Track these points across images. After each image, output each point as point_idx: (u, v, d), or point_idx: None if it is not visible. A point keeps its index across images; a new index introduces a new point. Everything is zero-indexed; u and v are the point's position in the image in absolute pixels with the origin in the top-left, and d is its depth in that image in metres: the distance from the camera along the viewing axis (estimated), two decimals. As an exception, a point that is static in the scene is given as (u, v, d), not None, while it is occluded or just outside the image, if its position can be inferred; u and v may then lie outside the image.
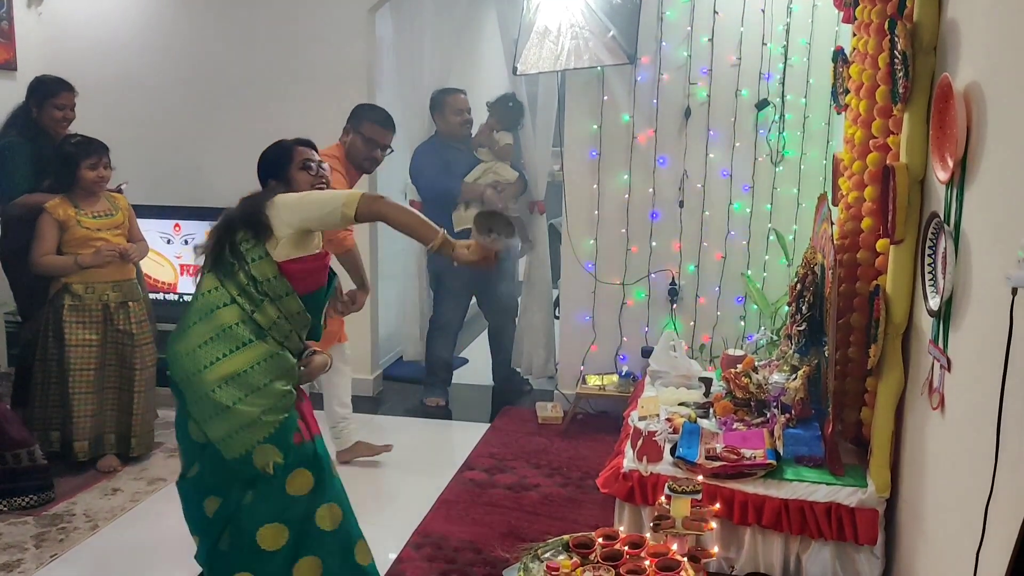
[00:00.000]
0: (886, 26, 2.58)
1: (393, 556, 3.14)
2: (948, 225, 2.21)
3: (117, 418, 3.91)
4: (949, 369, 2.19)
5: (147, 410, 3.96)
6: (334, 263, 2.86)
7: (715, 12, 4.23)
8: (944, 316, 2.22)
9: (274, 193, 2.46)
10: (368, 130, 3.77)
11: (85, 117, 4.86)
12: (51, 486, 3.54)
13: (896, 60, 2.49)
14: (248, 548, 2.38)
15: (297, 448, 2.42)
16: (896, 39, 2.47)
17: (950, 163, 2.15)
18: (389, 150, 3.86)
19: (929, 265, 2.35)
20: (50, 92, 3.96)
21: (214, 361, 2.34)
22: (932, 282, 2.33)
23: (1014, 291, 1.64)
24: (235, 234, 2.40)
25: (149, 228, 4.72)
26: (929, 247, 2.35)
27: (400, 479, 3.90)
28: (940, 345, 2.25)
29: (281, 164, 2.60)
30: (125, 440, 3.92)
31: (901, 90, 2.47)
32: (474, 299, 5.19)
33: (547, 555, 2.35)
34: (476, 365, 5.54)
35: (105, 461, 3.85)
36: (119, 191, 4.06)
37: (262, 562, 2.38)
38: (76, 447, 3.76)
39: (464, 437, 4.37)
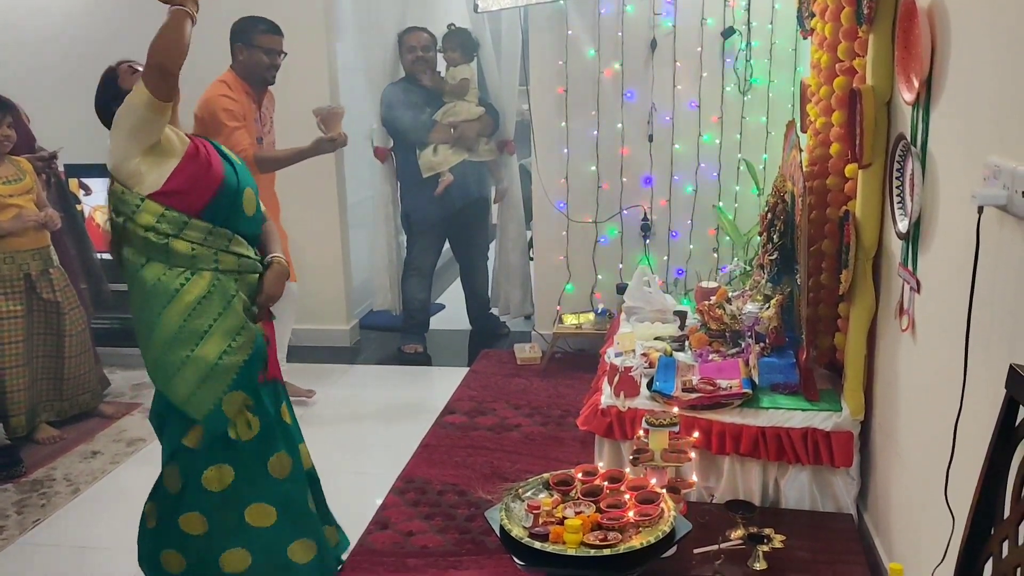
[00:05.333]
0: (849, -55, 2.53)
1: (379, 502, 3.17)
2: (915, 147, 2.19)
3: (51, 386, 3.86)
4: (919, 291, 2.20)
5: (79, 373, 3.92)
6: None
7: (677, -61, 4.14)
8: (913, 238, 2.23)
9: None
10: (264, 41, 3.74)
11: (37, 81, 4.74)
12: (19, 462, 3.51)
13: (860, -20, 2.45)
14: (195, 488, 2.39)
15: (257, 390, 2.41)
16: (859, -42, 2.42)
17: (915, 83, 2.13)
18: (283, 55, 3.84)
19: (897, 188, 2.35)
20: None
21: (153, 323, 2.30)
22: (900, 205, 2.33)
23: (980, 209, 1.64)
24: (112, 192, 2.32)
25: (105, 190, 4.64)
26: (897, 170, 2.34)
27: (382, 426, 3.91)
28: (909, 267, 2.26)
29: (110, 94, 2.39)
30: (59, 405, 3.90)
31: (866, 11, 2.43)
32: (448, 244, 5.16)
33: (528, 494, 2.37)
34: (452, 310, 5.53)
35: (42, 433, 3.79)
36: (54, 156, 3.94)
37: (211, 503, 2.39)
38: (12, 422, 3.65)
39: (444, 382, 4.38)
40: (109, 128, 2.34)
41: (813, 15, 3.14)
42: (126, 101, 2.26)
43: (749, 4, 4.16)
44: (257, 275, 2.46)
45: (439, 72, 4.80)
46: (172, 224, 2.29)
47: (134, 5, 4.75)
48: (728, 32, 4.19)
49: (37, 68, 4.81)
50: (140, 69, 2.33)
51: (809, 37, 3.34)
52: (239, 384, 2.35)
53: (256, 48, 3.73)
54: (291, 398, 3.85)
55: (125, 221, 2.30)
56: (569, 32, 4.34)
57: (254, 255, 2.46)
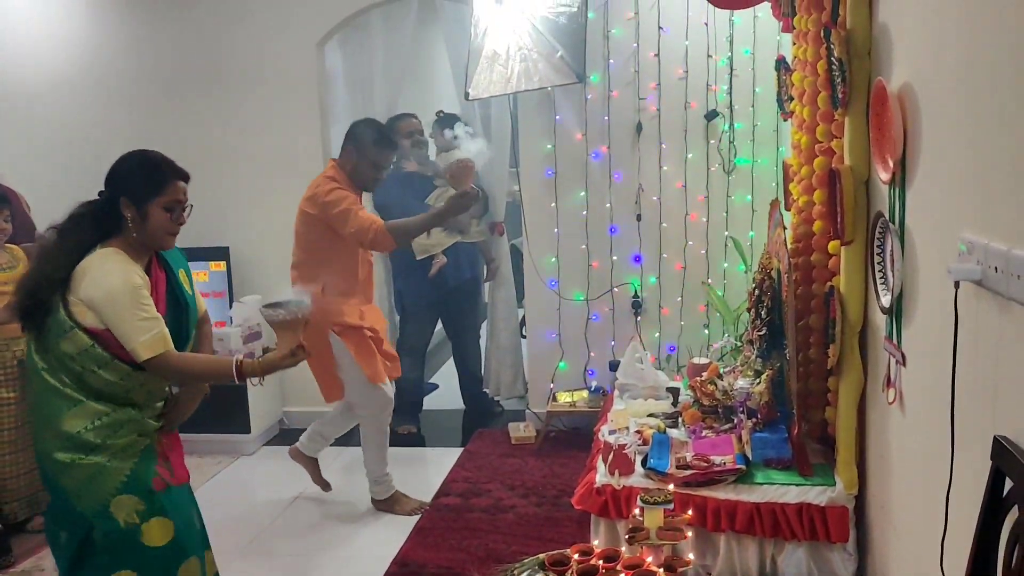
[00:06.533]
0: (822, 34, 2.65)
1: (372, 588, 3.12)
2: (893, 224, 2.26)
3: None
4: (904, 364, 2.23)
5: None
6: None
7: (660, 28, 4.30)
8: (896, 312, 2.27)
9: (86, 249, 2.26)
10: (376, 156, 3.70)
11: (39, 170, 4.81)
12: (8, 550, 3.45)
13: (834, 66, 2.56)
14: None
15: (157, 495, 2.32)
16: (832, 46, 2.54)
17: (890, 163, 2.21)
18: (390, 168, 3.87)
19: (879, 264, 2.41)
20: None
21: (50, 420, 2.25)
22: (883, 280, 2.39)
23: (956, 284, 1.68)
24: (48, 298, 2.23)
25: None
26: (878, 246, 2.41)
27: (375, 509, 3.87)
28: (894, 341, 2.30)
29: (145, 190, 2.28)
30: None
31: (840, 95, 2.53)
32: (440, 323, 5.20)
33: (524, 575, 2.35)
34: (446, 390, 5.53)
35: (37, 521, 3.70)
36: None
37: None
38: (6, 510, 3.58)
39: (438, 463, 4.36)
40: (109, 192, 2.31)
41: (792, 98, 3.26)
42: (145, 325, 2.22)
43: (731, 88, 4.30)
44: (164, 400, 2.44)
45: (429, 156, 4.92)
46: (92, 360, 2.24)
47: (137, 96, 4.89)
48: (711, 115, 4.33)
49: (39, 157, 4.90)
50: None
51: (789, 119, 3.45)
52: (130, 487, 2.28)
53: (367, 162, 3.68)
54: (405, 515, 3.79)
55: (52, 331, 2.24)
56: (557, 117, 4.48)
57: (167, 388, 2.44)
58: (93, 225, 2.31)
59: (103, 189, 2.34)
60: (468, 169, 3.64)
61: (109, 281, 2.22)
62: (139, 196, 2.28)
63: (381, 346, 3.80)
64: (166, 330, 2.27)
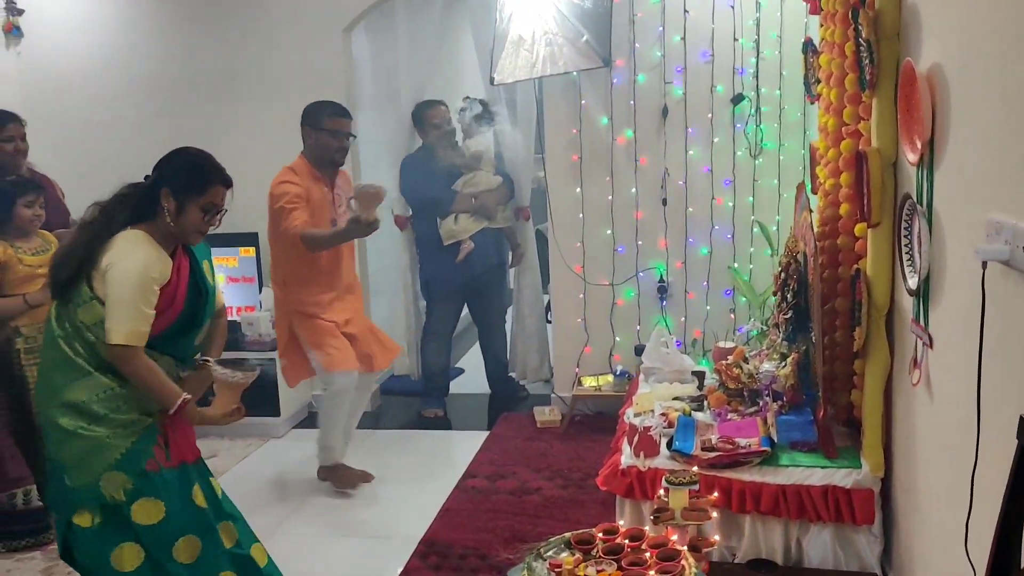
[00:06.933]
0: (850, 15, 2.63)
1: (400, 568, 3.17)
2: (921, 205, 2.26)
3: None
4: (931, 346, 2.23)
5: None
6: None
7: (685, 11, 4.28)
8: (923, 295, 2.27)
9: (119, 227, 2.36)
10: (330, 123, 3.77)
11: (71, 158, 4.90)
12: (47, 528, 3.52)
13: (861, 48, 2.54)
14: (104, 568, 2.35)
15: (148, 476, 2.37)
16: (860, 27, 2.52)
17: (919, 145, 2.20)
18: (352, 137, 3.90)
19: (906, 246, 2.40)
20: None
21: (59, 388, 2.32)
22: (910, 262, 2.38)
23: (984, 265, 1.68)
24: (81, 270, 2.32)
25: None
26: (905, 228, 2.40)
27: (403, 490, 3.92)
28: (921, 323, 2.30)
29: (188, 187, 2.38)
30: None
31: (868, 76, 2.51)
32: (466, 308, 5.24)
33: (549, 553, 2.38)
34: (472, 374, 5.57)
35: None
36: None
37: None
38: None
39: (464, 446, 4.39)
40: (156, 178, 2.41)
41: (819, 81, 3.24)
42: (129, 317, 2.28)
43: (757, 71, 4.28)
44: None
45: (456, 142, 4.94)
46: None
47: (164, 84, 4.95)
48: (738, 98, 4.31)
49: (73, 146, 4.98)
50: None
51: (816, 102, 3.44)
52: (123, 465, 2.33)
53: (323, 131, 3.75)
54: (344, 488, 3.88)
55: (73, 300, 2.32)
56: (583, 101, 4.47)
57: (176, 368, 2.50)
58: (134, 206, 2.40)
59: (149, 174, 2.44)
60: (374, 196, 3.52)
61: (130, 261, 2.30)
62: (180, 192, 2.38)
63: (354, 341, 3.82)
64: (147, 332, 2.32)
